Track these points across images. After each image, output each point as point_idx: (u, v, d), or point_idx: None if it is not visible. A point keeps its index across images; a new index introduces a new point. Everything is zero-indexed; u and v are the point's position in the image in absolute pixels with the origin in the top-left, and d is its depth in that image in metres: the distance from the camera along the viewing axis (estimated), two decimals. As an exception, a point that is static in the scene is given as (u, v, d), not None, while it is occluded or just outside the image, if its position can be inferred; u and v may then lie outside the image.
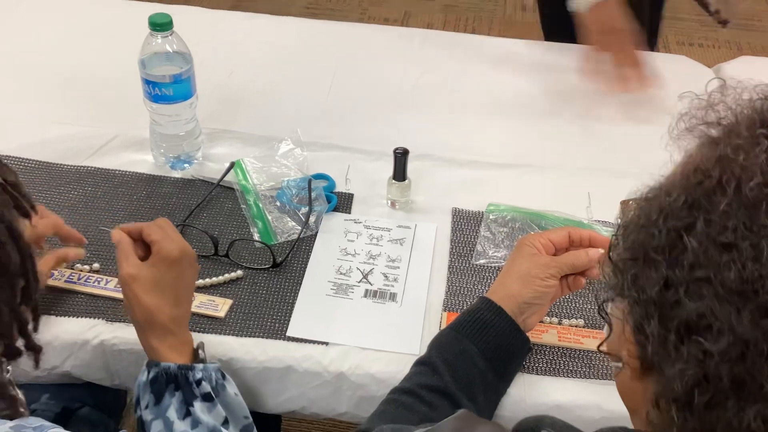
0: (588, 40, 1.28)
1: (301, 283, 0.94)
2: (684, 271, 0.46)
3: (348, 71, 1.32)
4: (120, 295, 0.90)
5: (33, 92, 1.23)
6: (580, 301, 0.93)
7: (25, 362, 0.67)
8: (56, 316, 0.89)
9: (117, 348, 0.87)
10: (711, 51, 2.63)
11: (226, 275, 0.94)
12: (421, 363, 0.81)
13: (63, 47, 1.34)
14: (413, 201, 1.07)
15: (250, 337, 0.88)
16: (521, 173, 1.13)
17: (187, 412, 0.77)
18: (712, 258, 0.45)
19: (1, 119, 1.17)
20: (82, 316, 0.89)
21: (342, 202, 1.06)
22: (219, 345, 0.86)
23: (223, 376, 0.80)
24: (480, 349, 0.80)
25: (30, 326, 0.67)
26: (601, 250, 0.84)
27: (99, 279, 0.93)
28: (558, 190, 1.10)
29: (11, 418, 0.62)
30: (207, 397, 0.77)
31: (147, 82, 1.03)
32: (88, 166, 1.09)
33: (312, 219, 1.02)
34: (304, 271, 0.96)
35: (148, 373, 0.78)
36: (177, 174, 1.09)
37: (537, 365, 0.87)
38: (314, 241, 1.00)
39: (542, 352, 0.88)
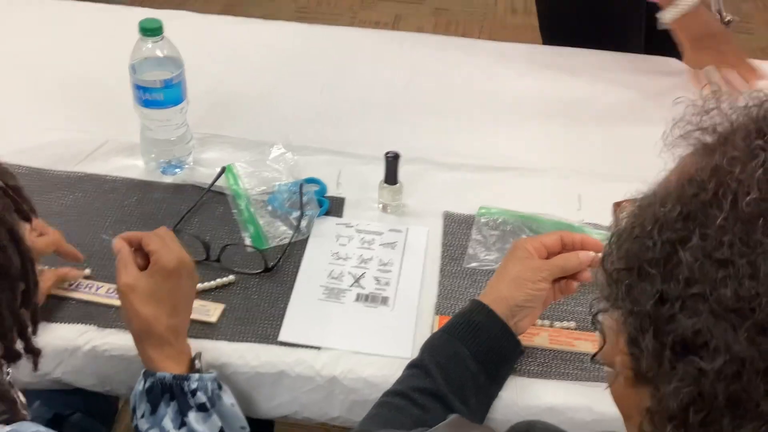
0: (684, 49, 1.29)
1: (292, 288, 0.94)
2: (679, 286, 0.45)
3: (339, 75, 1.33)
4: (111, 301, 0.90)
5: (23, 98, 1.23)
6: (572, 304, 0.93)
7: (19, 367, 0.67)
8: (47, 322, 0.89)
9: (108, 354, 0.87)
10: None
11: (218, 280, 0.94)
12: (413, 366, 0.81)
13: (53, 52, 1.33)
14: (405, 204, 1.08)
15: (242, 342, 0.88)
16: (512, 176, 1.13)
17: (182, 423, 0.77)
18: (708, 274, 0.44)
19: (-9, 125, 1.16)
20: (73, 322, 0.89)
21: (333, 206, 1.06)
22: (211, 350, 0.86)
23: (220, 387, 0.80)
24: (472, 352, 0.80)
25: (29, 329, 0.67)
26: (592, 253, 0.84)
27: (90, 285, 0.93)
28: (549, 192, 1.10)
29: (11, 421, 0.62)
30: (202, 408, 0.78)
31: (138, 87, 1.03)
32: (79, 172, 1.09)
33: (303, 223, 1.02)
34: (296, 276, 0.96)
35: (144, 382, 0.79)
36: (168, 179, 1.09)
37: (529, 368, 0.87)
38: (306, 246, 1.00)
39: (534, 354, 0.88)
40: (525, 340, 0.86)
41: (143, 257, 0.83)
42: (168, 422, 0.77)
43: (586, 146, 1.20)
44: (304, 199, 1.04)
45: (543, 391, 0.85)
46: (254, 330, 0.89)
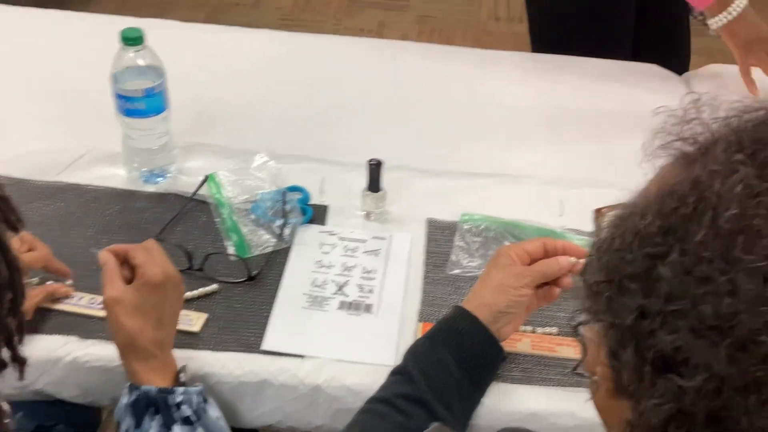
0: (735, 55, 1.29)
1: (276, 296, 0.94)
2: (659, 302, 0.45)
3: (322, 83, 1.33)
4: (93, 312, 0.90)
5: (3, 108, 1.22)
6: (554, 309, 0.94)
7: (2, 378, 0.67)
8: (29, 333, 0.88)
9: (90, 365, 0.86)
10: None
11: (201, 289, 0.94)
12: (397, 372, 0.82)
13: (34, 62, 1.33)
14: (388, 212, 1.08)
15: (225, 351, 0.88)
16: (495, 183, 1.13)
17: None
18: (688, 290, 0.44)
19: (-29, 135, 1.16)
20: (55, 333, 0.88)
21: (317, 214, 1.06)
22: (194, 360, 0.86)
23: (205, 400, 0.80)
24: (455, 358, 0.81)
25: (15, 339, 0.67)
26: (573, 259, 0.85)
27: (72, 295, 0.92)
28: (531, 198, 1.11)
29: None
30: (186, 421, 0.77)
31: (119, 96, 1.03)
32: (60, 182, 1.08)
33: (287, 231, 1.02)
34: (279, 284, 0.96)
35: (129, 396, 0.78)
36: (151, 188, 1.09)
37: (512, 374, 0.87)
38: (289, 254, 1.00)
39: (517, 360, 0.89)
40: (508, 346, 0.86)
41: (130, 270, 0.83)
42: None
43: (568, 152, 1.21)
44: (287, 207, 1.04)
45: (526, 396, 0.85)
46: (237, 339, 0.89)
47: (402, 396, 0.78)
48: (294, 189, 1.08)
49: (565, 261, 0.85)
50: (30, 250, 0.90)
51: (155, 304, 0.81)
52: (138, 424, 0.78)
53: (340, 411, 0.86)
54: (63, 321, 0.90)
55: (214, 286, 0.95)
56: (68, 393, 0.89)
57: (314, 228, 1.05)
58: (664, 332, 0.45)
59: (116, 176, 1.10)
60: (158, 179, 1.09)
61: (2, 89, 1.26)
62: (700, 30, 1.60)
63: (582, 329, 0.54)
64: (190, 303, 0.93)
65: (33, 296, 0.88)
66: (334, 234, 1.04)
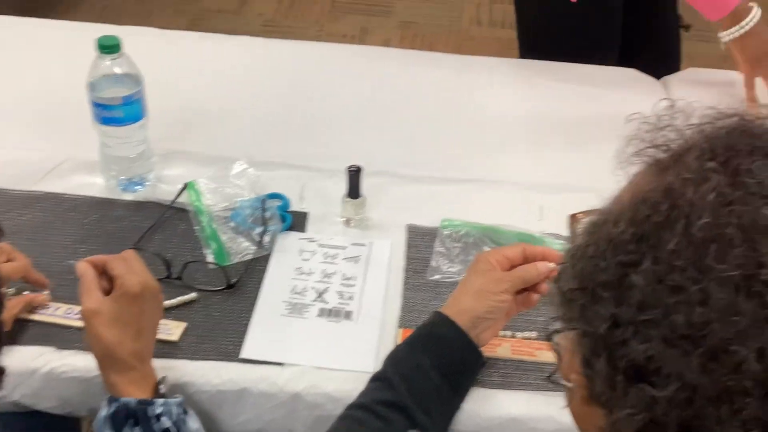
0: (742, 69, 1.30)
1: (255, 304, 0.94)
2: (632, 311, 0.45)
3: (302, 90, 1.33)
4: (70, 322, 0.89)
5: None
6: (533, 314, 0.94)
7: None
8: (5, 344, 0.87)
9: (67, 375, 0.86)
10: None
11: (180, 298, 0.93)
12: (376, 378, 0.82)
13: (11, 70, 1.32)
14: (368, 218, 1.08)
15: (204, 360, 0.87)
16: (475, 188, 1.14)
17: None
18: (660, 299, 0.44)
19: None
20: (31, 344, 0.88)
21: (296, 221, 1.06)
22: (173, 369, 0.85)
23: (185, 411, 0.79)
24: (434, 364, 0.81)
25: None
26: (552, 264, 0.85)
27: (48, 306, 0.91)
28: (511, 204, 1.11)
29: None
30: None
31: (96, 104, 1.02)
32: (38, 191, 1.08)
33: (266, 239, 1.02)
34: (259, 292, 0.96)
35: (108, 408, 0.78)
36: (129, 196, 1.08)
37: (491, 379, 0.87)
38: (269, 261, 1.00)
39: (496, 365, 0.89)
40: (487, 351, 0.86)
41: (108, 281, 0.82)
42: None
43: (548, 157, 1.22)
44: (267, 214, 1.04)
45: (506, 401, 0.86)
46: (216, 348, 0.89)
47: (381, 402, 0.78)
48: (274, 196, 1.08)
49: (544, 267, 0.85)
50: (9, 260, 0.89)
51: (134, 316, 0.80)
52: None
53: (320, 418, 0.85)
54: (39, 331, 0.89)
55: (192, 295, 0.94)
56: (45, 404, 0.88)
57: (294, 235, 1.04)
58: (636, 341, 0.44)
59: (94, 185, 1.09)
60: (137, 187, 1.09)
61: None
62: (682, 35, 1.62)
63: (556, 337, 0.54)
64: (168, 312, 0.92)
65: (12, 306, 0.87)
66: (313, 241, 1.04)
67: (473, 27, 2.97)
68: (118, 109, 1.02)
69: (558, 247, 0.95)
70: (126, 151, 1.06)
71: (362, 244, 1.04)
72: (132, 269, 0.82)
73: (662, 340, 0.43)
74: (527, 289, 0.86)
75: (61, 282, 0.93)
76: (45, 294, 0.92)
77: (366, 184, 1.06)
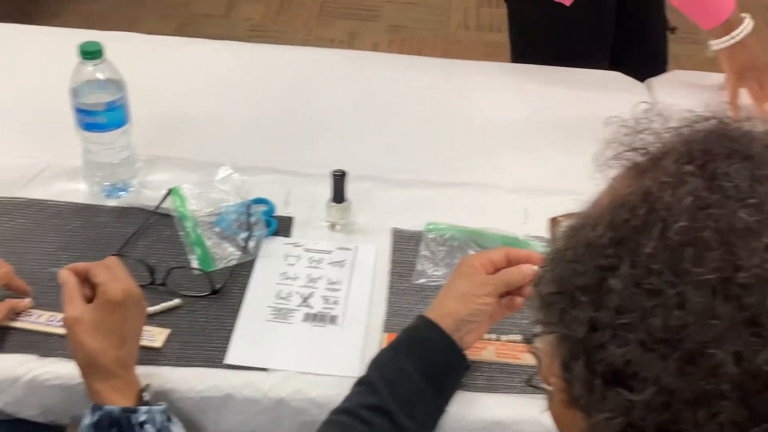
0: (728, 78, 1.31)
1: (240, 310, 0.94)
2: (610, 315, 0.45)
3: (288, 95, 1.33)
4: (53, 330, 0.89)
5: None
6: (518, 317, 0.94)
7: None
8: (-13, 352, 0.87)
9: (50, 383, 0.85)
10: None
11: (163, 304, 0.93)
12: (360, 383, 0.81)
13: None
14: (353, 222, 1.08)
15: (188, 366, 0.87)
16: (460, 192, 1.14)
17: None
18: (638, 303, 0.44)
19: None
20: (13, 352, 0.87)
21: (282, 226, 1.06)
22: (156, 376, 0.85)
23: (169, 419, 0.79)
24: (418, 367, 0.81)
25: None
26: (536, 267, 0.85)
27: (31, 313, 0.91)
28: (496, 207, 1.11)
29: None
30: None
31: (79, 110, 1.02)
32: (21, 198, 1.07)
33: (251, 244, 1.02)
34: (244, 297, 0.95)
35: (92, 416, 0.77)
36: (113, 202, 1.08)
37: (476, 382, 0.87)
38: (254, 266, 1.00)
39: (481, 368, 0.89)
40: (472, 354, 0.86)
41: (90, 288, 0.82)
42: None
43: (533, 160, 1.22)
44: (252, 219, 1.04)
45: (491, 404, 0.85)
46: (200, 354, 0.88)
47: (365, 406, 0.78)
48: (259, 201, 1.08)
49: (528, 270, 0.85)
50: None
51: (116, 323, 0.80)
52: None
53: (305, 424, 0.85)
54: (22, 339, 0.88)
55: (176, 301, 0.94)
56: (28, 412, 0.87)
57: (279, 240, 1.04)
58: (614, 345, 0.44)
59: (78, 191, 1.09)
60: (120, 193, 1.08)
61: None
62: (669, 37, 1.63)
63: (536, 340, 0.54)
64: (152, 318, 0.92)
65: None
66: (299, 246, 1.04)
67: (461, 31, 2.98)
68: (101, 115, 1.01)
69: (542, 250, 0.95)
70: (109, 157, 1.06)
71: (347, 249, 1.04)
72: (114, 276, 0.82)
73: (639, 344, 0.43)
74: (511, 292, 0.86)
75: (44, 289, 0.92)
76: (27, 301, 0.91)
77: (351, 188, 1.06)
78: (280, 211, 1.08)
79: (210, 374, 0.86)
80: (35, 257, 0.98)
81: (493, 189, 1.15)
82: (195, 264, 0.99)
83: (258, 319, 0.93)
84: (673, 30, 1.65)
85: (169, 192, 1.08)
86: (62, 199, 1.07)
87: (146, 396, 0.80)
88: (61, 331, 0.83)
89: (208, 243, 1.02)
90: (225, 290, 0.96)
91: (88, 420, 0.78)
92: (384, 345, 0.90)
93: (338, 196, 1.05)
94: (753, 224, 0.42)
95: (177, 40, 1.60)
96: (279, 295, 0.96)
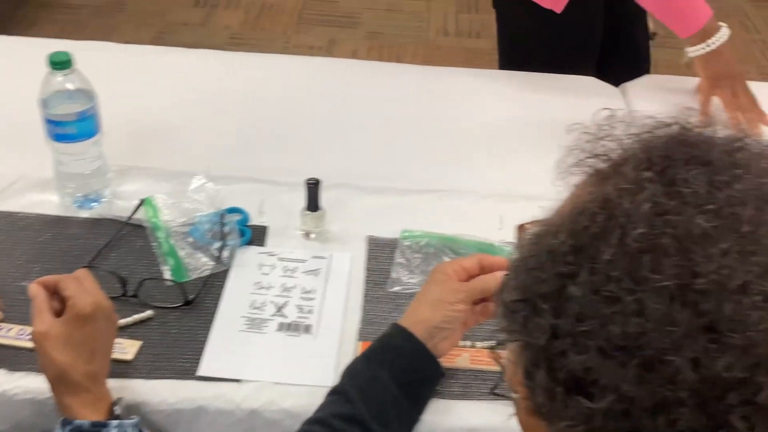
0: (701, 85, 1.32)
1: (213, 320, 0.93)
2: (570, 322, 0.45)
3: (262, 103, 1.32)
4: (22, 344, 0.88)
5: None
6: (493, 323, 0.93)
7: None
8: (-45, 368, 0.85)
9: (19, 398, 0.84)
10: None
11: (135, 316, 0.92)
12: (334, 392, 0.81)
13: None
14: (328, 231, 1.07)
15: (159, 378, 0.86)
16: (435, 198, 1.14)
17: None
18: (597, 310, 0.43)
19: None
20: (-19, 367, 0.86)
21: (256, 235, 1.05)
22: (127, 389, 0.84)
23: None
24: (392, 375, 0.80)
25: None
26: (507, 274, 0.85)
27: (0, 327, 0.90)
28: (471, 213, 1.11)
29: None
30: None
31: (49, 121, 1.01)
32: (-9, 210, 1.06)
33: (225, 254, 1.01)
34: (217, 308, 0.95)
35: (62, 430, 0.76)
36: (85, 214, 1.07)
37: (451, 389, 0.87)
38: (227, 276, 0.99)
39: (456, 376, 0.88)
40: (447, 361, 0.86)
41: (60, 301, 0.81)
42: None
43: (508, 166, 1.22)
44: (226, 229, 1.03)
45: (465, 412, 0.85)
46: (172, 366, 0.87)
47: (338, 416, 0.78)
48: (233, 210, 1.07)
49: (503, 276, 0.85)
50: None
51: (86, 337, 0.79)
52: None
53: (279, 435, 0.85)
54: (-10, 354, 0.87)
55: (149, 313, 0.93)
56: (-3, 428, 0.86)
57: (253, 249, 1.04)
58: (574, 353, 0.44)
59: (49, 202, 1.08)
60: (92, 204, 1.07)
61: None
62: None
63: (501, 348, 0.54)
64: (124, 330, 0.91)
65: None
66: (273, 255, 1.03)
67: (440, 37, 2.98)
68: (71, 126, 1.01)
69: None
70: (81, 168, 1.05)
71: (322, 257, 1.03)
72: (84, 289, 0.81)
73: (599, 352, 0.43)
74: (486, 299, 0.86)
75: (14, 303, 0.91)
76: None
77: (326, 196, 1.06)
78: (255, 220, 1.08)
79: (182, 386, 0.85)
80: (5, 270, 0.97)
81: (468, 195, 1.15)
82: (168, 275, 0.98)
83: (231, 329, 0.92)
84: (652, 36, 1.67)
85: (142, 202, 1.07)
86: (33, 211, 1.06)
87: (117, 410, 0.79)
88: (31, 345, 0.82)
89: (181, 253, 1.01)
90: (198, 301, 0.95)
91: None
92: (359, 353, 0.89)
93: (312, 204, 1.05)
94: (710, 230, 0.42)
95: (153, 48, 1.59)
96: (253, 305, 0.96)
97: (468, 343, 0.92)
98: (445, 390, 0.87)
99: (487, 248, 1.03)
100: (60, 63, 0.99)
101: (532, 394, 0.48)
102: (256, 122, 1.28)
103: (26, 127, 1.14)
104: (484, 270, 0.87)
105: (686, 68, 1.37)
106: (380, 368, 0.81)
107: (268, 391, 0.86)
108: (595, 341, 0.43)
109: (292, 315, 0.95)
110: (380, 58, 2.80)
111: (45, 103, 1.00)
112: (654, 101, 1.32)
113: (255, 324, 0.93)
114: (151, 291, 0.95)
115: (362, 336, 0.93)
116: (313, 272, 1.01)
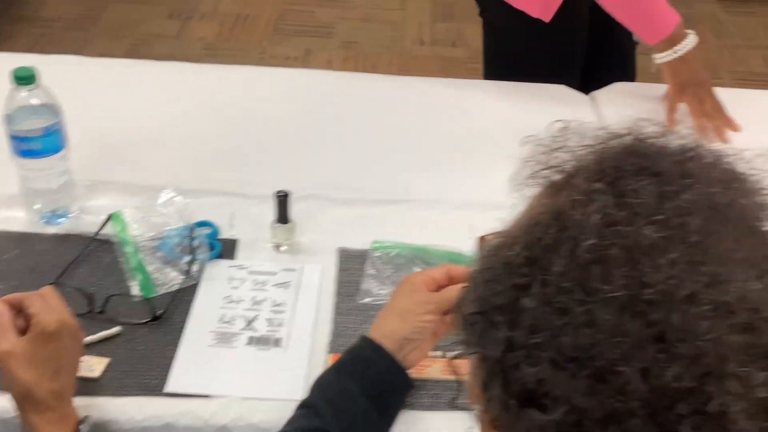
0: (668, 92, 1.33)
1: (182, 336, 0.92)
2: (524, 334, 0.45)
3: (231, 116, 1.32)
4: (-13, 363, 0.86)
5: None
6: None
7: None
8: None
9: (-16, 418, 0.83)
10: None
11: (102, 333, 0.91)
12: (303, 405, 0.80)
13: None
14: (299, 243, 1.07)
15: (127, 396, 0.85)
16: (405, 209, 1.14)
17: None
18: (549, 322, 0.44)
19: None
20: (-55, 388, 0.85)
21: (226, 249, 1.05)
22: (94, 407, 0.83)
23: None
24: (361, 388, 0.80)
25: None
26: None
27: (-36, 346, 0.88)
28: (442, 223, 1.12)
29: None
30: None
31: (13, 137, 1.00)
32: (-45, 228, 1.05)
33: (194, 268, 1.00)
34: (186, 323, 0.94)
35: None
36: (52, 229, 1.06)
37: (421, 401, 0.87)
38: (197, 291, 0.99)
39: (426, 387, 0.88)
40: (417, 372, 0.86)
41: (25, 319, 0.80)
42: None
43: (478, 175, 1.22)
44: (195, 242, 1.02)
45: (436, 423, 0.85)
46: (140, 383, 0.87)
47: (308, 430, 0.77)
48: (202, 224, 1.07)
49: None
50: None
51: (51, 355, 0.78)
52: None
53: (248, 450, 0.84)
54: (-46, 374, 0.86)
55: (116, 329, 0.92)
56: (-38, 449, 0.85)
57: (223, 263, 1.03)
58: (527, 365, 0.44)
59: (15, 219, 1.06)
60: (60, 220, 1.06)
61: None
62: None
63: (459, 361, 0.54)
64: (91, 348, 0.90)
65: None
66: (243, 268, 1.03)
67: (416, 47, 2.99)
68: (36, 141, 1.00)
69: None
70: (47, 183, 1.04)
71: (292, 270, 1.03)
72: (49, 306, 0.80)
73: (551, 363, 0.43)
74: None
75: (-22, 321, 0.90)
76: None
77: (296, 208, 1.06)
78: (225, 234, 1.07)
79: (150, 403, 0.85)
80: (-30, 289, 0.96)
81: (438, 205, 1.15)
82: (136, 290, 0.98)
83: (200, 344, 0.92)
84: (637, 43, 1.68)
85: (110, 217, 1.06)
86: (-1, 228, 1.05)
87: (84, 428, 0.78)
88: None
89: (150, 268, 1.01)
90: (167, 316, 0.95)
91: None
92: (329, 366, 0.89)
93: (282, 216, 1.04)
94: (658, 241, 0.43)
95: (124, 62, 1.58)
96: (222, 320, 0.95)
97: (439, 353, 0.92)
98: (415, 401, 0.86)
99: (457, 258, 1.03)
100: (24, 78, 0.98)
101: (489, 407, 0.48)
102: (225, 135, 1.28)
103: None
104: (453, 280, 0.86)
105: (656, 75, 1.38)
106: (350, 380, 0.80)
107: (237, 407, 0.85)
108: (547, 353, 0.43)
109: (262, 328, 0.94)
110: (356, 68, 2.80)
111: (9, 119, 0.99)
112: (623, 108, 1.33)
113: (224, 338, 0.93)
114: (118, 307, 0.94)
115: (333, 348, 0.93)
116: (284, 285, 1.01)
